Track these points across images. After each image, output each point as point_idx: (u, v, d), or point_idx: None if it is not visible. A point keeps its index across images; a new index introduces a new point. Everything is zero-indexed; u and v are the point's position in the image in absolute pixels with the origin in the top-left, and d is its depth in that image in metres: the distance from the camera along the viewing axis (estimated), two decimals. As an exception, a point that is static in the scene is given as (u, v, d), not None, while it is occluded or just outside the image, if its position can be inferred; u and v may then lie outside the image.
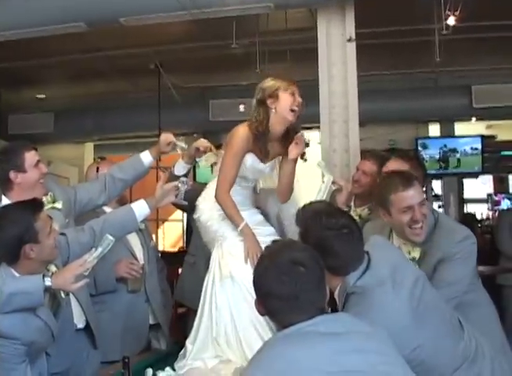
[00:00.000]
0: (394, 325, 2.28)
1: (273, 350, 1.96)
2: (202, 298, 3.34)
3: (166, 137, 3.62)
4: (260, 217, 3.52)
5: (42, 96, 9.69)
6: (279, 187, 3.51)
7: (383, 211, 3.01)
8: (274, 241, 2.30)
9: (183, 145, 3.59)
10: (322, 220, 2.48)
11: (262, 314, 2.15)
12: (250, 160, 3.37)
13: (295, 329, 1.97)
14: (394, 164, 3.46)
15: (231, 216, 3.32)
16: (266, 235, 3.38)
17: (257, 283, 2.11)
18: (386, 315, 2.32)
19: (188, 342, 3.32)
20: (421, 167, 3.53)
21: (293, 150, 3.38)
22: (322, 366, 1.87)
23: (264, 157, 3.43)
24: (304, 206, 2.75)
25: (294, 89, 3.36)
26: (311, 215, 2.57)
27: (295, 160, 3.42)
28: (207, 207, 3.42)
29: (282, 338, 2.00)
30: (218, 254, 3.36)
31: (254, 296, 3.11)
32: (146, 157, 3.65)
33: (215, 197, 3.33)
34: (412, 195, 2.92)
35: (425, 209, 2.96)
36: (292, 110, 3.33)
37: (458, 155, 9.48)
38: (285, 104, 3.32)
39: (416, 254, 2.99)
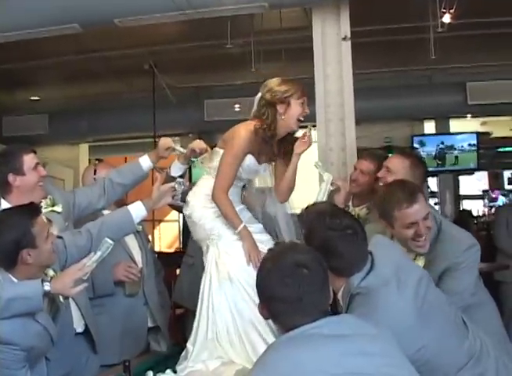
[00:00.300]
0: (399, 325, 2.27)
1: (277, 353, 1.95)
2: (199, 299, 3.33)
3: (165, 142, 3.61)
4: (249, 214, 3.52)
5: (36, 98, 9.65)
6: (281, 186, 3.51)
7: (385, 223, 2.97)
8: (276, 244, 2.30)
9: (182, 150, 3.58)
10: (325, 221, 2.47)
11: (266, 318, 2.14)
12: (249, 161, 3.37)
13: (299, 332, 1.96)
14: (395, 160, 3.45)
15: (229, 217, 3.31)
16: (256, 233, 3.38)
17: (261, 287, 2.10)
18: (391, 315, 2.31)
19: (189, 344, 3.31)
20: (422, 164, 3.50)
21: (300, 146, 3.42)
22: (327, 368, 1.86)
23: (270, 159, 3.46)
24: (308, 207, 2.75)
25: (305, 99, 3.38)
26: (314, 216, 2.57)
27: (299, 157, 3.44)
28: (200, 205, 3.40)
29: (286, 340, 1.99)
30: (214, 254, 3.35)
31: (252, 295, 3.14)
32: (145, 162, 3.64)
33: (212, 196, 3.31)
34: (416, 211, 2.87)
35: (429, 222, 2.92)
36: (298, 120, 3.35)
37: (456, 152, 9.49)
38: (294, 113, 3.35)
39: (421, 262, 2.96)
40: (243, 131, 3.32)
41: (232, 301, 3.23)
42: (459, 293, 2.87)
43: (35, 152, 3.29)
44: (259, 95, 3.42)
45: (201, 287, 3.35)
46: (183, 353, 3.31)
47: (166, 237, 13.87)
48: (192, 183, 4.46)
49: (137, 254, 3.88)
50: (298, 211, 3.55)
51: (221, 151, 3.39)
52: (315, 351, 1.90)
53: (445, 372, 2.38)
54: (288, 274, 2.01)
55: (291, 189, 3.53)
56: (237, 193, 3.49)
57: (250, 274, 3.19)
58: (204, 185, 3.42)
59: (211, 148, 3.55)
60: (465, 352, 2.44)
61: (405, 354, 2.10)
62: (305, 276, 2.01)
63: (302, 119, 3.38)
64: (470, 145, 9.49)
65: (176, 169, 3.65)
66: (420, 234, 2.89)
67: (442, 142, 9.52)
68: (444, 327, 2.44)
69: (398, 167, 3.37)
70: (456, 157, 9.50)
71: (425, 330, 2.34)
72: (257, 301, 3.06)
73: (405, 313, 2.34)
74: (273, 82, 3.39)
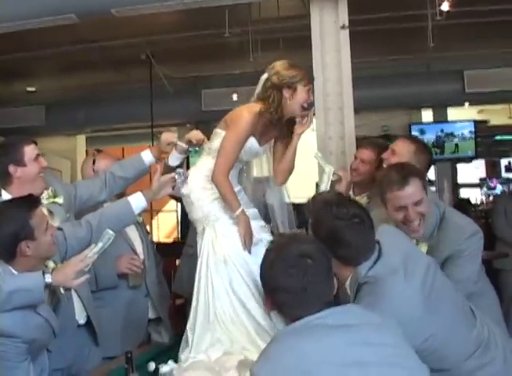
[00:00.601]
0: (406, 314, 2.27)
1: (282, 345, 1.95)
2: (196, 280, 3.32)
3: (167, 137, 3.60)
4: (246, 197, 3.50)
5: (33, 89, 9.62)
6: (280, 167, 3.51)
7: (383, 205, 2.99)
8: (280, 235, 2.29)
9: (184, 145, 3.57)
10: (332, 210, 2.46)
11: (271, 309, 2.13)
12: (250, 143, 3.34)
13: (303, 322, 1.96)
14: (401, 143, 3.46)
15: (228, 199, 3.28)
16: (251, 219, 3.37)
17: (265, 278, 2.10)
18: (398, 304, 2.30)
19: (188, 329, 3.29)
20: (427, 151, 3.51)
21: (300, 127, 3.42)
22: (332, 358, 1.86)
23: (281, 140, 3.47)
24: (314, 196, 2.74)
25: (311, 87, 3.37)
26: (321, 205, 2.56)
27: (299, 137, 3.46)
28: (199, 186, 3.37)
29: (290, 331, 1.99)
30: (210, 235, 3.33)
31: (246, 278, 3.17)
32: (147, 156, 3.64)
33: (212, 178, 3.28)
34: (406, 195, 2.86)
35: (422, 208, 2.90)
36: (302, 107, 3.34)
37: (456, 140, 9.48)
38: (300, 99, 3.32)
39: (423, 248, 2.95)
40: (247, 114, 3.28)
41: (227, 282, 3.24)
42: (462, 281, 2.84)
43: (36, 143, 3.27)
44: (265, 76, 3.36)
45: (197, 268, 3.34)
46: (183, 339, 3.29)
47: (164, 228, 13.88)
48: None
49: (138, 246, 3.88)
50: (295, 201, 3.57)
51: (222, 133, 3.35)
52: (320, 342, 1.90)
53: (453, 361, 2.37)
54: (292, 264, 2.01)
55: (290, 170, 3.52)
56: (235, 174, 3.46)
57: (245, 259, 3.24)
58: (204, 165, 3.40)
59: (209, 138, 3.54)
60: (473, 340, 2.44)
61: (413, 343, 2.10)
62: (310, 267, 2.01)
63: (306, 106, 3.36)
64: (470, 132, 9.49)
65: (174, 159, 3.64)
66: (410, 219, 2.89)
67: (442, 130, 9.51)
68: (452, 315, 2.44)
69: (403, 150, 3.38)
70: (457, 145, 9.50)
71: (433, 319, 2.34)
72: (251, 284, 3.14)
73: (413, 302, 2.34)
74: (281, 65, 3.34)
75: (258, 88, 3.40)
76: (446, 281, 2.56)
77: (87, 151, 10.82)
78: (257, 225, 3.39)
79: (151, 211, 12.77)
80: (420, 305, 2.34)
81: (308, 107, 3.38)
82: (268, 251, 2.16)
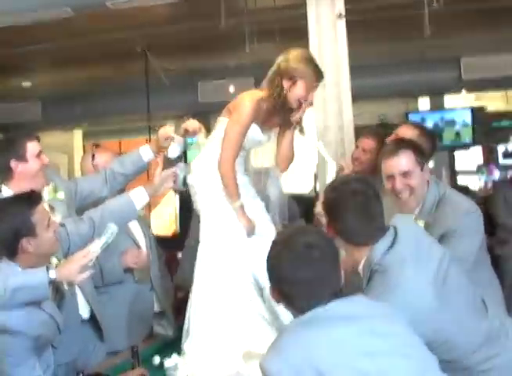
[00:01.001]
0: (417, 305, 2.26)
1: (290, 338, 1.95)
2: (197, 270, 3.33)
3: (165, 132, 3.59)
4: (253, 189, 3.50)
5: (28, 84, 9.57)
6: (280, 154, 3.52)
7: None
8: (285, 227, 2.29)
9: (181, 139, 3.56)
10: (336, 188, 2.51)
11: (278, 301, 2.12)
12: (253, 130, 3.33)
13: (311, 315, 1.96)
14: (405, 128, 3.55)
15: (229, 190, 3.28)
16: (259, 211, 3.40)
17: (271, 270, 2.09)
18: (410, 295, 2.29)
19: (189, 317, 3.28)
20: (431, 135, 3.58)
21: (296, 113, 3.38)
22: (342, 349, 1.86)
23: (286, 126, 3.45)
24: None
25: (315, 87, 3.32)
26: (330, 185, 2.63)
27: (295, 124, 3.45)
28: (203, 175, 3.37)
29: (298, 324, 1.98)
30: (212, 225, 3.35)
31: (245, 268, 3.15)
32: (146, 153, 3.64)
33: (218, 166, 3.28)
34: (393, 164, 2.96)
35: (411, 180, 2.96)
36: (299, 101, 3.29)
37: (458, 127, 9.46)
38: (297, 94, 3.27)
39: (420, 224, 2.96)
40: (249, 100, 3.26)
41: (228, 270, 3.25)
42: (458, 259, 2.71)
43: (39, 139, 3.27)
44: (280, 58, 3.31)
45: (198, 257, 3.35)
46: (184, 328, 3.29)
47: (162, 221, 13.84)
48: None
49: (141, 240, 3.90)
50: (294, 192, 3.57)
51: (225, 120, 3.34)
52: (329, 333, 1.90)
53: (463, 352, 2.35)
54: (299, 256, 2.00)
55: (290, 157, 3.53)
56: (241, 163, 3.46)
57: (245, 250, 3.26)
58: (208, 154, 3.39)
59: (206, 129, 3.53)
60: (484, 331, 2.41)
61: (424, 334, 2.09)
62: (316, 258, 2.01)
63: (302, 103, 3.30)
64: (470, 119, 9.48)
65: (173, 151, 3.63)
66: (396, 189, 2.96)
67: (442, 118, 9.49)
68: (463, 306, 2.41)
69: (407, 134, 3.43)
70: (458, 133, 9.49)
71: (445, 310, 2.32)
72: (250, 275, 3.19)
73: (425, 293, 2.31)
74: (295, 54, 3.28)
75: (272, 68, 3.35)
76: (459, 272, 2.53)
77: (84, 145, 10.80)
78: (263, 217, 3.39)
79: (149, 204, 12.73)
80: (432, 295, 2.32)
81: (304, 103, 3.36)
82: (274, 242, 2.15)
